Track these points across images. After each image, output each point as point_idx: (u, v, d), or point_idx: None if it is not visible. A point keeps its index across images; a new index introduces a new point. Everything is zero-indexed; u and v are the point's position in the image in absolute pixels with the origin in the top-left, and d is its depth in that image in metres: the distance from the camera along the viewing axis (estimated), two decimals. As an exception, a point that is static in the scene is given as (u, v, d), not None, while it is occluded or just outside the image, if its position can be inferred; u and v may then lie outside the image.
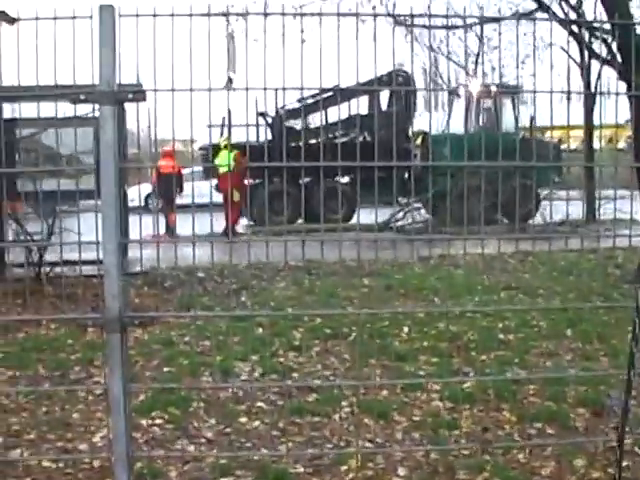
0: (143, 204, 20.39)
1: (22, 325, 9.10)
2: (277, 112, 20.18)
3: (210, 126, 4.52)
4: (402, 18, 19.35)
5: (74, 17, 3.44)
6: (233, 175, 17.79)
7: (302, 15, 4.74)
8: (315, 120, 24.80)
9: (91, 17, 3.28)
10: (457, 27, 26.32)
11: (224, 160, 17.82)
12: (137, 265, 10.89)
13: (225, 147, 18.55)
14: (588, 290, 10.55)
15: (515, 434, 5.88)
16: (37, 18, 3.53)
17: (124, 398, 3.27)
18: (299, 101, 21.13)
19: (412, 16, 4.39)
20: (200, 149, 22.60)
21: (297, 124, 22.97)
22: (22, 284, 9.84)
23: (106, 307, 3.23)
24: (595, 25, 15.55)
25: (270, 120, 22.42)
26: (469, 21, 24.46)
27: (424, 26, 23.67)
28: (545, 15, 22.77)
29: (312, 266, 13.06)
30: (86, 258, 5.26)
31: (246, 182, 17.68)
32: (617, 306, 7.90)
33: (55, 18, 3.47)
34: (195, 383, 7.16)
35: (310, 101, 22.39)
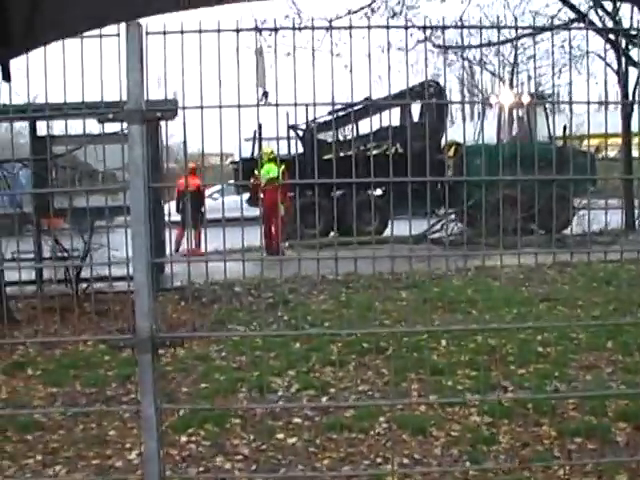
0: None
1: (59, 341, 9.14)
2: (308, 125, 20.17)
3: (242, 140, 4.50)
4: (433, 32, 19.33)
5: (101, 35, 3.43)
6: (280, 189, 17.75)
7: (332, 29, 4.71)
8: (346, 132, 24.82)
9: (118, 35, 3.28)
10: (493, 44, 26.25)
11: (271, 173, 17.83)
12: (173, 280, 10.93)
13: (270, 160, 18.61)
14: (629, 301, 10.38)
15: (555, 449, 5.78)
16: (64, 37, 3.52)
17: (156, 418, 3.24)
18: (330, 114, 21.11)
19: (444, 27, 4.33)
20: (232, 163, 22.68)
21: (329, 137, 22.94)
22: (59, 300, 9.88)
23: (137, 327, 3.20)
24: (632, 32, 15.40)
25: (301, 133, 22.45)
26: (505, 34, 24.36)
27: (458, 46, 23.69)
28: (581, 24, 22.67)
29: (349, 279, 13.02)
30: (121, 274, 5.24)
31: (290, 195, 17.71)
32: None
33: (82, 36, 3.46)
34: (232, 399, 7.14)
35: (341, 113, 22.33)
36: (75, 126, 6.62)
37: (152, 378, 3.23)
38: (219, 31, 3.40)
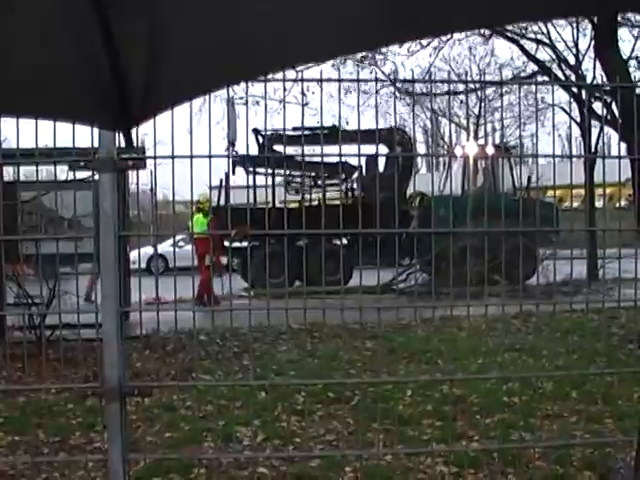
0: (144, 267, 20.35)
1: (23, 389, 9.01)
2: (272, 135, 19.23)
3: (211, 188, 4.54)
4: (403, 86, 19.58)
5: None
6: (207, 240, 17.67)
7: (303, 81, 4.78)
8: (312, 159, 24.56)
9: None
10: (459, 92, 26.59)
11: (199, 224, 17.81)
12: (137, 329, 10.83)
13: (199, 210, 18.55)
14: (592, 351, 10.44)
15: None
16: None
17: (123, 467, 3.21)
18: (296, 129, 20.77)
19: (414, 81, 4.42)
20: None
21: (296, 153, 22.46)
22: (22, 347, 9.77)
23: (105, 376, 3.18)
24: (595, 86, 15.69)
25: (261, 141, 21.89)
26: (471, 86, 24.71)
27: (425, 94, 23.99)
28: (545, 78, 23.11)
29: (314, 329, 13.01)
30: (86, 322, 5.22)
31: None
32: (624, 371, 7.79)
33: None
34: (197, 449, 7.07)
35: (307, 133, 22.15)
36: (40, 171, 6.61)
37: (120, 427, 3.21)
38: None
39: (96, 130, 3.15)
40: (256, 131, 20.69)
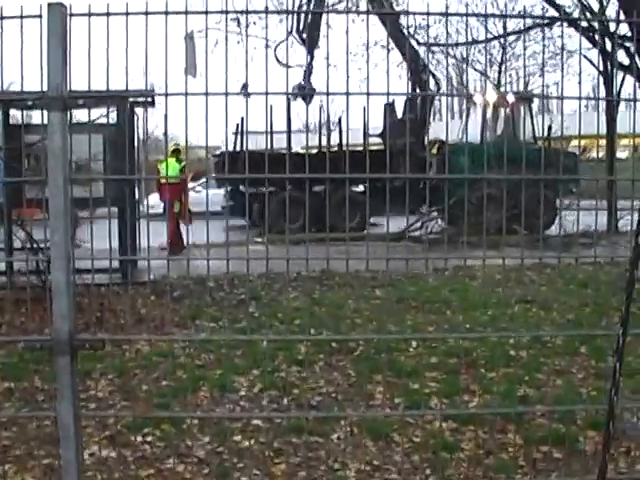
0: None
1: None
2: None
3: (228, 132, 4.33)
4: (417, 30, 19.20)
5: (22, 16, 3.19)
6: (177, 186, 17.49)
7: (292, 13, 4.51)
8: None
9: (40, 16, 3.04)
10: (478, 42, 26.12)
11: (170, 169, 17.55)
12: (145, 275, 10.73)
13: (172, 154, 18.30)
14: (606, 304, 10.20)
15: (520, 458, 5.60)
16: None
17: (75, 426, 3.03)
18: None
19: (428, 14, 4.17)
20: (214, 156, 22.40)
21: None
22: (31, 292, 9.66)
23: (55, 329, 2.99)
24: (612, 29, 15.26)
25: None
26: (491, 33, 24.20)
27: (442, 44, 23.53)
28: (565, 24, 22.51)
29: (324, 276, 12.87)
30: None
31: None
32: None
33: (1, 18, 3.21)
34: (191, 399, 6.93)
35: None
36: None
37: (71, 383, 3.02)
38: (147, 14, 3.17)
39: (45, 69, 2.92)
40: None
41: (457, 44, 25.29)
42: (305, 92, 19.44)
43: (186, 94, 3.50)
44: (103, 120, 11.04)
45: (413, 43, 21.68)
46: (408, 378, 7.45)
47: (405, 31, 20.13)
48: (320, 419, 6.33)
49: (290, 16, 20.33)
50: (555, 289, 12.06)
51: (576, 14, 22.07)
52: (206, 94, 3.48)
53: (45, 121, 3.03)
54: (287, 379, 7.54)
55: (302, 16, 21.96)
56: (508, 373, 7.55)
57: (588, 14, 22.21)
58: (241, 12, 4.24)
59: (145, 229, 4.79)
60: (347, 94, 3.90)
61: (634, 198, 4.92)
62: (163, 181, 17.68)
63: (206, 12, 3.34)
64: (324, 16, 18.09)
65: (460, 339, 8.53)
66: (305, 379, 7.51)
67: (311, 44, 20.62)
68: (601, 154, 24.37)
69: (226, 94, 3.58)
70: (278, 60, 15.92)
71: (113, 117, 12.23)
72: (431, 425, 6.21)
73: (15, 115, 13.82)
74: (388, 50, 5.18)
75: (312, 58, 21.76)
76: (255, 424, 6.29)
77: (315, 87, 21.93)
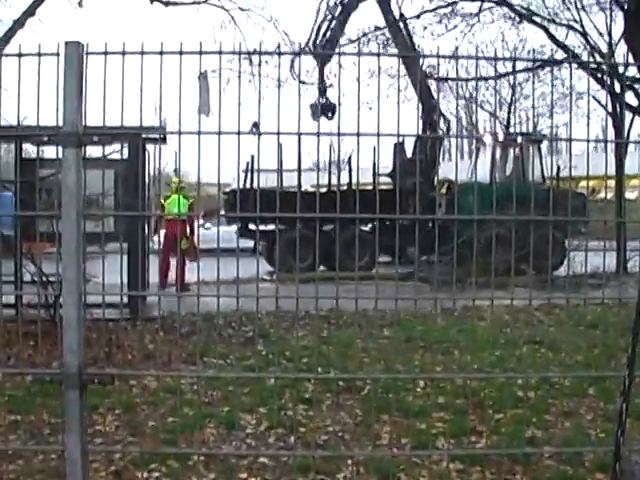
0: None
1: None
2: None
3: (239, 170, 4.38)
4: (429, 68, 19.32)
5: (40, 54, 3.24)
6: (183, 223, 17.48)
7: (297, 55, 4.58)
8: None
9: (58, 54, 3.09)
10: (487, 78, 26.31)
11: (173, 205, 17.58)
12: (155, 310, 10.74)
13: (176, 191, 18.31)
14: (614, 346, 10.15)
15: (527, 500, 5.57)
16: (1, 55, 3.33)
17: (82, 461, 3.04)
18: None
19: (438, 56, 4.24)
20: (224, 193, 22.46)
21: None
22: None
23: (65, 363, 3.00)
24: (621, 72, 15.36)
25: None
26: (500, 70, 24.35)
27: (453, 78, 23.71)
28: (574, 65, 22.68)
29: (332, 315, 12.87)
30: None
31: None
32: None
33: (20, 55, 3.27)
34: (197, 436, 6.91)
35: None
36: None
37: (79, 417, 3.03)
38: (162, 53, 3.22)
39: (61, 105, 2.97)
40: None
41: (467, 79, 25.44)
42: (323, 107, 19.72)
43: (199, 132, 3.54)
44: (115, 155, 11.13)
45: (426, 81, 21.85)
46: (415, 418, 7.43)
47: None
48: (327, 458, 6.31)
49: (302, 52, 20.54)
50: (563, 330, 12.02)
51: (584, 56, 22.22)
52: (219, 133, 3.53)
53: (59, 155, 3.08)
54: (294, 417, 7.51)
55: (321, 30, 22.29)
56: (516, 414, 7.50)
57: (597, 55, 22.38)
58: (254, 52, 4.30)
59: (153, 265, 4.82)
60: (357, 134, 3.94)
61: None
62: (169, 217, 17.77)
63: (220, 52, 3.39)
64: (334, 57, 18.28)
65: (468, 379, 8.51)
66: (312, 418, 7.48)
67: (324, 61, 20.90)
68: (610, 195, 24.40)
69: (238, 133, 3.63)
70: (293, 76, 16.08)
71: (124, 152, 12.33)
72: (438, 466, 6.18)
73: (27, 149, 13.96)
74: (399, 90, 5.22)
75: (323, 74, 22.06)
76: (261, 462, 6.27)
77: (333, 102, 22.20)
